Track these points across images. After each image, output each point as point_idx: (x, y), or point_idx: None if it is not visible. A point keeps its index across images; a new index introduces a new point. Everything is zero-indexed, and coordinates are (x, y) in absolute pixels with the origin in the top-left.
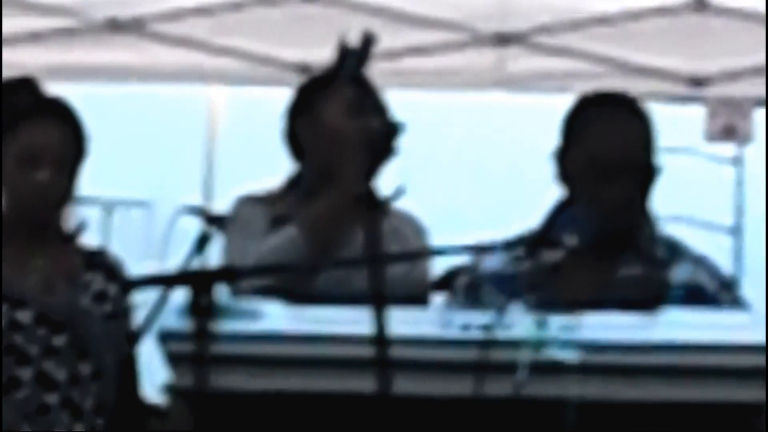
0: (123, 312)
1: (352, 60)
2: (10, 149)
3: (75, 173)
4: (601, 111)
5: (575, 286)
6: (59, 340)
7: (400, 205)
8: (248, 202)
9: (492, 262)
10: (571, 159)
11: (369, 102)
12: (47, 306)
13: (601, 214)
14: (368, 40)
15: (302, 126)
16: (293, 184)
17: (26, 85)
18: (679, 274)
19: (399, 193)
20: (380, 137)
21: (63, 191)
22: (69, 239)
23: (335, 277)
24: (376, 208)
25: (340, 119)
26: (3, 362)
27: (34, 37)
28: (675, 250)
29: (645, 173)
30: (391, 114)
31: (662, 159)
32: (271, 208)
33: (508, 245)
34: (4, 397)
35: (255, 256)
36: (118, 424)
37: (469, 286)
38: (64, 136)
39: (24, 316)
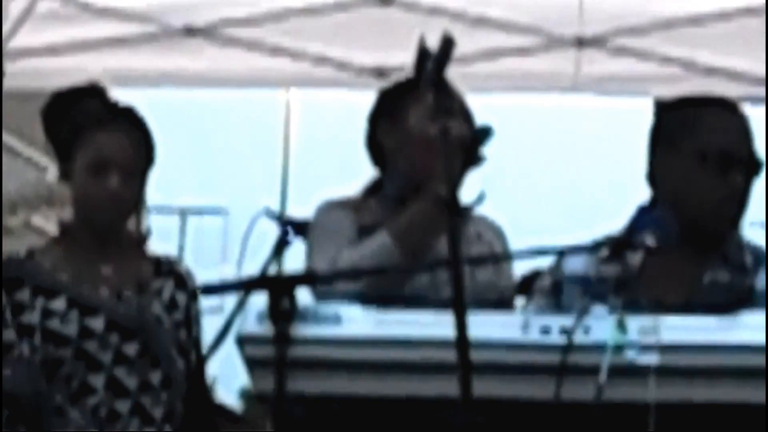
0: (193, 320)
1: (432, 63)
2: (79, 157)
3: (144, 181)
4: (702, 108)
5: (661, 290)
6: (130, 348)
7: (479, 209)
8: (334, 207)
9: (575, 265)
10: (673, 157)
11: (454, 106)
12: (118, 313)
13: (704, 211)
14: (448, 43)
15: (385, 132)
16: (374, 190)
17: (94, 92)
18: (764, 281)
19: (480, 199)
20: (467, 143)
21: (132, 199)
22: (138, 246)
23: (423, 282)
24: (459, 213)
25: (425, 125)
26: (75, 367)
27: (110, 43)
28: (759, 257)
29: (751, 166)
30: (475, 119)
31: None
32: (357, 214)
33: (592, 248)
34: (77, 403)
35: (348, 263)
36: (189, 430)
37: (551, 289)
38: (133, 144)
39: (96, 323)
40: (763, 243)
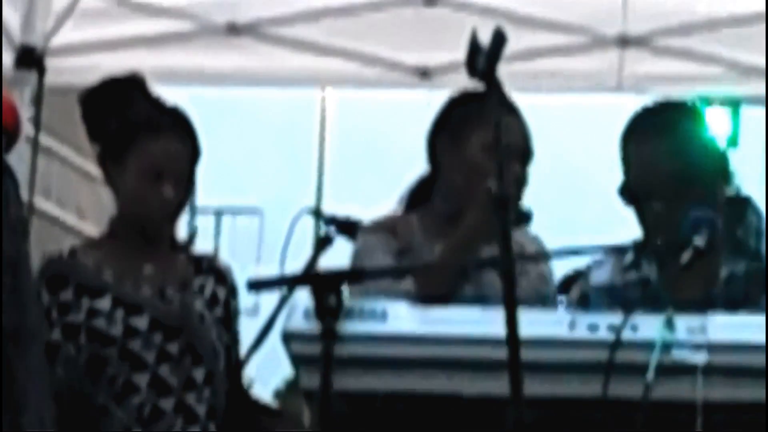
0: (233, 315)
1: (484, 58)
2: (133, 159)
3: (192, 184)
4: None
5: (681, 290)
6: (173, 346)
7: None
8: (370, 232)
9: (601, 275)
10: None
11: (507, 103)
12: (162, 312)
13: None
14: (499, 38)
15: (444, 148)
16: (414, 204)
17: (137, 86)
18: None
19: (529, 216)
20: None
21: (183, 204)
22: (179, 245)
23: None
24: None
25: (484, 159)
26: (120, 367)
27: (151, 41)
28: None
29: None
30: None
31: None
32: (394, 236)
33: (619, 251)
34: (121, 402)
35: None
36: (230, 427)
37: (579, 300)
38: (186, 150)
39: (140, 321)
40: None
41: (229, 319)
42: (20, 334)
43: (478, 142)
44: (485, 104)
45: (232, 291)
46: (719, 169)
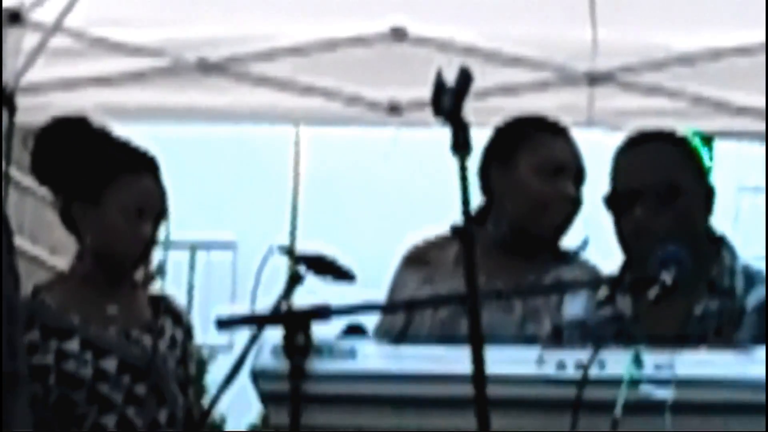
0: (189, 357)
1: (449, 97)
2: (112, 198)
3: (165, 223)
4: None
5: (655, 326)
6: (141, 388)
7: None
8: (402, 266)
9: (574, 309)
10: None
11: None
12: (129, 353)
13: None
14: (465, 77)
15: (496, 175)
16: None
17: (88, 126)
18: (753, 299)
19: (585, 244)
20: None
21: (156, 242)
22: (140, 286)
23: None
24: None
25: (535, 178)
26: (88, 408)
27: (123, 79)
28: (751, 278)
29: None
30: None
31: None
32: (426, 265)
33: (594, 285)
34: None
35: None
36: None
37: (552, 335)
38: (160, 189)
39: (109, 364)
40: (759, 262)
41: (185, 361)
42: (15, 379)
43: (527, 166)
44: (532, 128)
45: (188, 333)
46: (705, 198)
